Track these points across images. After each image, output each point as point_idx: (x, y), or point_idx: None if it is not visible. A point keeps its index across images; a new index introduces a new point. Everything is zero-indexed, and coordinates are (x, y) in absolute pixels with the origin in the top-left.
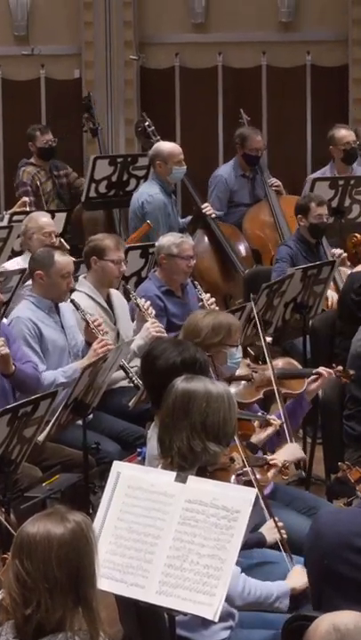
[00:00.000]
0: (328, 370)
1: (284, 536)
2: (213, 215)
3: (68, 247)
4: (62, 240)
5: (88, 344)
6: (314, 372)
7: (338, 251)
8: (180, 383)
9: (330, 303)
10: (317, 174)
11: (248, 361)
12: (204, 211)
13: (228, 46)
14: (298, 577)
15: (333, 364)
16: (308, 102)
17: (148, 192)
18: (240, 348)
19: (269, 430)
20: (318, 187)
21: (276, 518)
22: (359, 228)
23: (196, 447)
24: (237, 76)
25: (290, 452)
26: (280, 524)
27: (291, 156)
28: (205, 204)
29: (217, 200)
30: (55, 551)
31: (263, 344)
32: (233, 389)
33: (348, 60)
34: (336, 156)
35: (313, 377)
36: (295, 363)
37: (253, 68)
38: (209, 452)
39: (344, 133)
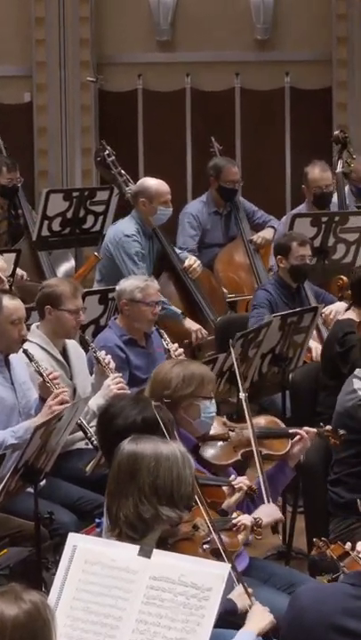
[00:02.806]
0: (309, 429)
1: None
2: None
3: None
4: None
5: (43, 400)
6: (291, 431)
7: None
8: (127, 445)
9: (313, 355)
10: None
11: (224, 419)
12: (188, 272)
13: (197, 67)
14: (259, 616)
15: (321, 424)
16: (286, 129)
17: (124, 231)
18: (214, 401)
19: (238, 494)
20: (298, 224)
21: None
22: (344, 270)
23: (144, 513)
24: (208, 100)
25: (265, 513)
26: (250, 589)
27: (268, 190)
28: (188, 264)
29: (189, 239)
30: (9, 634)
31: (243, 398)
32: (207, 450)
33: (331, 82)
34: (307, 197)
35: (296, 439)
36: (279, 421)
37: (226, 91)
38: (162, 517)
39: (316, 176)
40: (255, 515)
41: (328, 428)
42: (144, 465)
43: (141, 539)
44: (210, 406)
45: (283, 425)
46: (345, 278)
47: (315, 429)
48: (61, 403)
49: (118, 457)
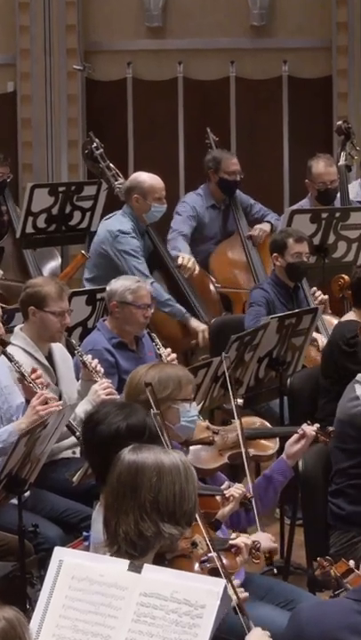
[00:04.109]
0: (313, 428)
1: (245, 594)
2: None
3: None
4: None
5: (28, 402)
6: (298, 431)
7: (317, 293)
8: (127, 454)
9: (320, 344)
10: (295, 208)
11: (207, 423)
12: (181, 270)
13: (189, 54)
14: None
15: (308, 422)
16: (284, 120)
17: (120, 228)
18: (195, 404)
19: (231, 504)
20: (297, 220)
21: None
22: (345, 269)
23: (146, 531)
24: (201, 90)
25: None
26: (236, 582)
27: (265, 184)
28: (182, 262)
29: (183, 225)
30: None
31: (233, 403)
32: (191, 456)
33: (331, 70)
34: (311, 192)
35: (296, 437)
36: (265, 422)
37: (220, 80)
38: (163, 535)
39: (321, 170)
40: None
41: (316, 426)
42: (145, 480)
43: (141, 557)
44: (190, 409)
45: (269, 425)
46: (346, 277)
47: (313, 428)
48: (45, 402)
49: (118, 468)
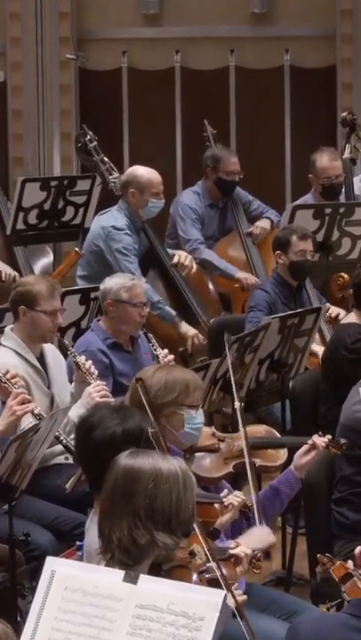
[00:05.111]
0: (323, 439)
1: (244, 597)
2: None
3: None
4: None
5: (3, 403)
6: (309, 442)
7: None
8: (123, 459)
9: (320, 360)
10: (298, 203)
11: (213, 429)
12: (178, 268)
13: (187, 43)
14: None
15: (319, 433)
16: (286, 111)
17: (114, 224)
18: (201, 411)
19: (231, 513)
20: (300, 216)
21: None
22: (350, 266)
23: (139, 539)
24: (200, 80)
25: (256, 537)
26: (238, 588)
27: (266, 178)
28: (178, 260)
29: (194, 231)
30: None
31: (238, 407)
32: (195, 463)
33: (335, 60)
34: (315, 187)
35: (305, 448)
36: (273, 431)
37: (219, 70)
38: (158, 544)
39: (325, 164)
40: (244, 538)
41: (328, 437)
42: (141, 486)
43: (135, 565)
44: (196, 416)
45: (277, 434)
46: (346, 276)
47: (324, 439)
48: (22, 402)
49: (114, 472)
